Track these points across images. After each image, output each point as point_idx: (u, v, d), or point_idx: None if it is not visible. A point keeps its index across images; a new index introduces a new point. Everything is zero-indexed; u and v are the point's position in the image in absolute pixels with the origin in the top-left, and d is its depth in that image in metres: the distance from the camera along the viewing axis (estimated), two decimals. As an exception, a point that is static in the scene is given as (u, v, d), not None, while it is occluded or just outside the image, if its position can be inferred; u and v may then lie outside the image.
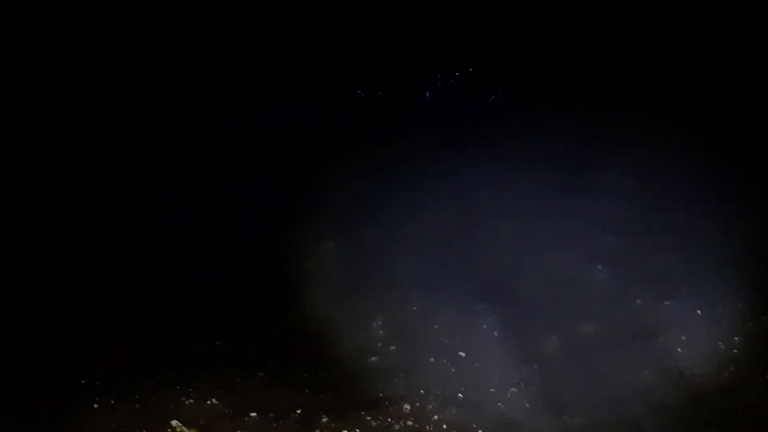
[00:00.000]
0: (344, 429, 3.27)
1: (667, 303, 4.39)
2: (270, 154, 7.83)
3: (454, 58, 9.30)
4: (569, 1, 8.72)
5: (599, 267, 4.86)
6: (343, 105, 9.22)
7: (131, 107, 8.94)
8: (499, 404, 3.52)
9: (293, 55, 9.61)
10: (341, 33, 9.46)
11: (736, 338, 3.98)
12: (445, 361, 3.89)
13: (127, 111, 8.91)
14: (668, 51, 7.69)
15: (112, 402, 3.56)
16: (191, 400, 3.53)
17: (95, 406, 3.54)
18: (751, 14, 7.10)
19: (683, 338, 3.99)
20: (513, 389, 3.61)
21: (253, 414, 3.39)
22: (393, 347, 4.06)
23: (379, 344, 4.10)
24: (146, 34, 8.83)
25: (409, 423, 3.34)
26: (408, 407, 3.46)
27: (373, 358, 3.97)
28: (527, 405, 3.50)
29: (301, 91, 9.55)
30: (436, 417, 3.38)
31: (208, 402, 3.51)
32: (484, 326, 4.18)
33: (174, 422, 3.32)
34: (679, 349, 3.91)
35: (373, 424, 3.33)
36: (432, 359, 3.90)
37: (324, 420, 3.32)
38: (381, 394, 3.63)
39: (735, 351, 3.87)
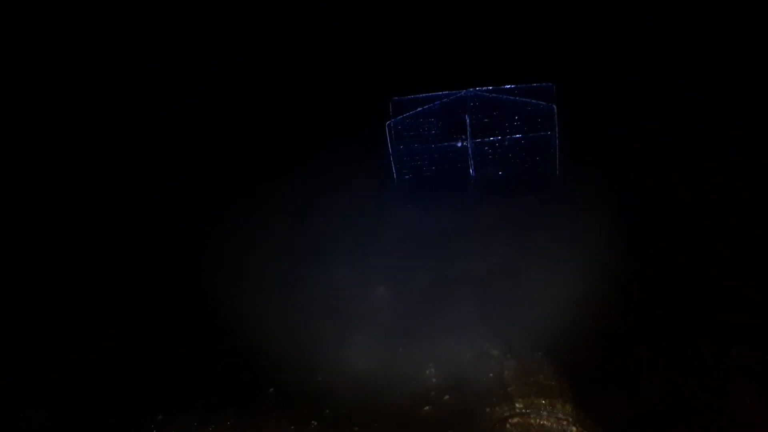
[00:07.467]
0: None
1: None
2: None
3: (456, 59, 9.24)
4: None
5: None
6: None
7: (131, 106, 9.08)
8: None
9: (293, 55, 9.69)
10: (341, 33, 9.51)
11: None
12: (499, 411, 3.85)
13: (127, 110, 9.04)
14: (669, 51, 7.75)
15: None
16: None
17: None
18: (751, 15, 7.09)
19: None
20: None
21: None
22: (447, 396, 4.05)
23: (433, 393, 4.08)
24: (146, 33, 8.98)
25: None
26: (465, 459, 3.44)
27: (427, 408, 3.95)
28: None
29: (302, 91, 9.61)
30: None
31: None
32: (540, 376, 4.17)
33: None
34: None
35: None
36: (488, 409, 3.88)
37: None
38: (436, 445, 3.61)
39: None
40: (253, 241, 7.38)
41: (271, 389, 4.23)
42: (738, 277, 5.45)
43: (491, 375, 4.20)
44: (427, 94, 8.07)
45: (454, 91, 8.00)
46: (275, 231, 7.66)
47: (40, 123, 8.40)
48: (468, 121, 7.91)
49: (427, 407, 3.95)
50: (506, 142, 7.98)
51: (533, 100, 7.82)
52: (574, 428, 3.66)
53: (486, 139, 8.05)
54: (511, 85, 7.91)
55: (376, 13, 9.18)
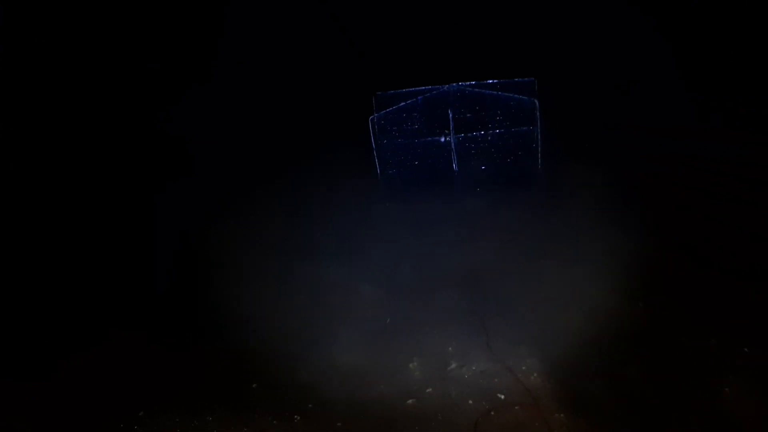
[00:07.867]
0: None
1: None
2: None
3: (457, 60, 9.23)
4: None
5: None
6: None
7: (131, 106, 9.14)
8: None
9: (293, 54, 9.73)
10: (341, 33, 9.54)
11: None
12: (484, 403, 3.79)
13: (127, 110, 9.10)
14: (669, 51, 7.72)
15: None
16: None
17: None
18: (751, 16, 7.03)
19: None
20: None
21: (291, 458, 3.34)
22: (430, 389, 3.98)
23: (416, 386, 4.02)
24: (146, 33, 9.05)
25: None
26: (447, 451, 3.36)
27: (410, 401, 3.89)
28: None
29: (301, 91, 9.62)
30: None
31: (246, 445, 3.48)
32: (524, 368, 4.10)
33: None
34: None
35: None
36: (470, 401, 3.81)
37: (362, 464, 3.25)
38: (419, 438, 3.53)
39: None
40: (250, 240, 7.37)
41: (254, 384, 4.18)
42: (738, 277, 5.36)
43: (475, 368, 4.14)
44: (409, 89, 8.06)
45: (436, 86, 7.99)
46: (275, 230, 7.65)
47: (40, 123, 8.48)
48: (451, 116, 7.89)
49: (410, 400, 3.89)
50: (489, 137, 7.94)
51: (515, 95, 7.79)
52: (561, 419, 3.57)
53: (469, 134, 8.02)
54: (494, 80, 7.89)
55: (363, 10, 9.17)
